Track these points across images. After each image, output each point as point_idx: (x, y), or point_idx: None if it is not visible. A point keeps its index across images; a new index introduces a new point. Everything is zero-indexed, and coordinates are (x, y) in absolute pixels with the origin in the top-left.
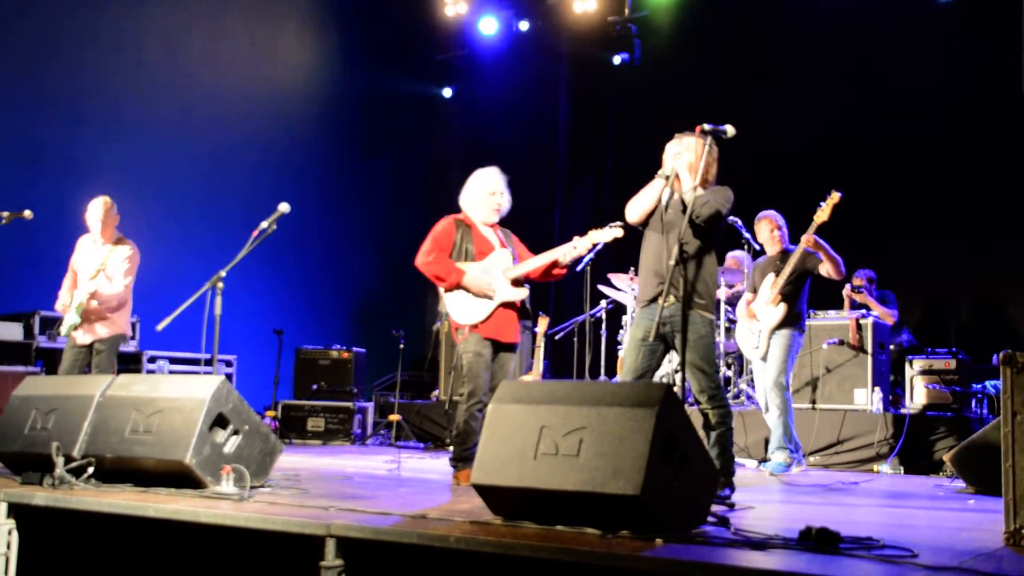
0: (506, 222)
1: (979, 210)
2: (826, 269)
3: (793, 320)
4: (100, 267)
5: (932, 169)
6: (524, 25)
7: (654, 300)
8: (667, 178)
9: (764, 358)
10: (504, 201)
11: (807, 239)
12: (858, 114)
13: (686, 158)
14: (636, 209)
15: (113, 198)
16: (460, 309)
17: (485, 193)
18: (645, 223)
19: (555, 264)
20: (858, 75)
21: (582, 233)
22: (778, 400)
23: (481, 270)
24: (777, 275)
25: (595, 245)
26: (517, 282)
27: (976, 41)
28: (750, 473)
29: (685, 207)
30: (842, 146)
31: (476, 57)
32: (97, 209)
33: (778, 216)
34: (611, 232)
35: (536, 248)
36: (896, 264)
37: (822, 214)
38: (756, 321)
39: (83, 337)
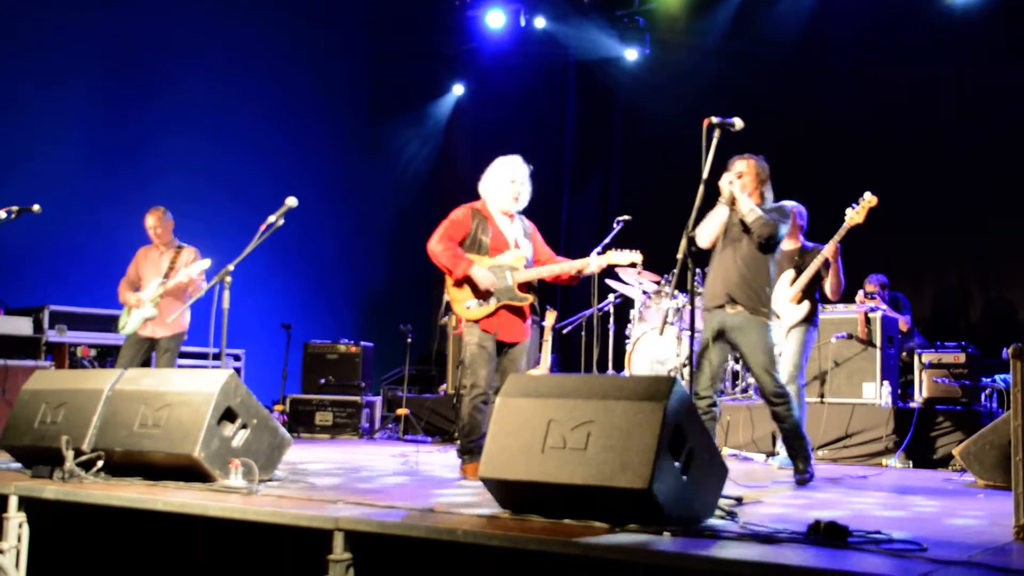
0: None
1: (989, 205)
2: (828, 283)
3: (809, 316)
4: (170, 266)
5: (942, 164)
6: (533, 19)
7: (720, 307)
8: (727, 203)
9: (779, 353)
10: (524, 191)
11: (832, 250)
12: (868, 108)
13: (744, 181)
14: (706, 236)
15: (121, 193)
16: (462, 302)
17: (506, 180)
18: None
19: (567, 274)
20: (868, 71)
21: (589, 233)
22: (792, 395)
23: (491, 267)
24: (797, 272)
25: (610, 266)
26: (525, 286)
27: (989, 40)
28: (758, 467)
29: (745, 226)
30: (852, 140)
31: (484, 51)
32: (150, 220)
33: (800, 210)
34: (630, 257)
35: (548, 243)
36: (905, 259)
37: (857, 216)
38: (776, 319)
39: (149, 330)
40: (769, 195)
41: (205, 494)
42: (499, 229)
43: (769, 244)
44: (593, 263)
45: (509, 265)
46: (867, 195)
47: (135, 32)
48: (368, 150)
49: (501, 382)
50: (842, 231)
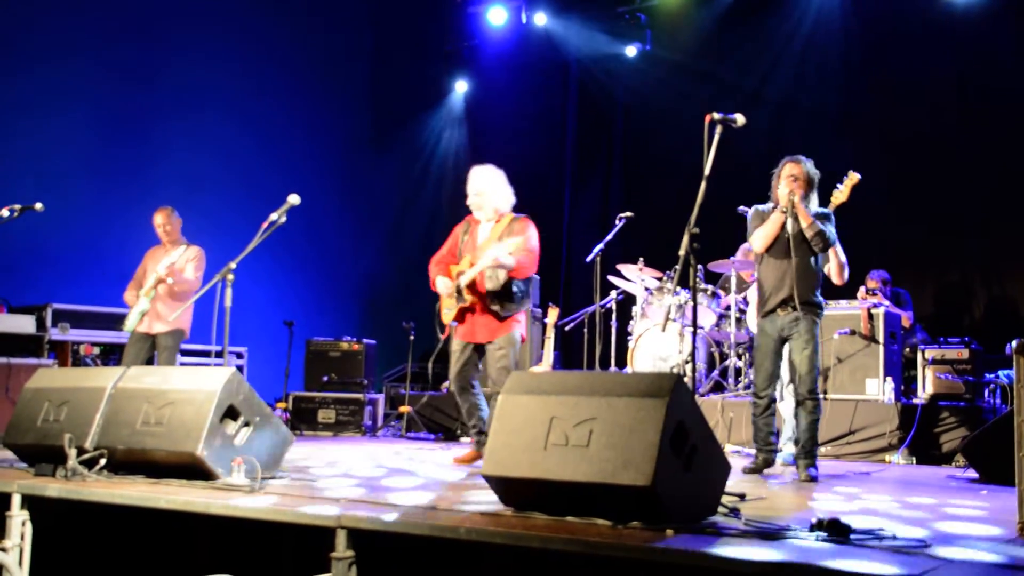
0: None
1: (992, 202)
2: (831, 268)
3: None
4: (170, 264)
5: (945, 161)
6: (534, 15)
7: (773, 311)
8: (784, 212)
9: None
10: (482, 200)
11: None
12: (872, 104)
13: (801, 187)
14: (760, 241)
15: (124, 191)
16: (442, 309)
17: (470, 191)
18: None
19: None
20: (870, 69)
21: (591, 230)
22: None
23: (457, 273)
24: None
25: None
26: (471, 288)
27: (991, 40)
28: None
29: (801, 233)
30: (855, 136)
31: (485, 48)
32: (158, 218)
33: None
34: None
35: (550, 240)
36: (908, 255)
37: (840, 195)
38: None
39: (146, 325)
40: (815, 197)
41: (208, 492)
42: (475, 236)
43: (824, 251)
44: (486, 260)
45: (460, 270)
46: (851, 173)
47: (137, 33)
48: (370, 147)
49: (485, 382)
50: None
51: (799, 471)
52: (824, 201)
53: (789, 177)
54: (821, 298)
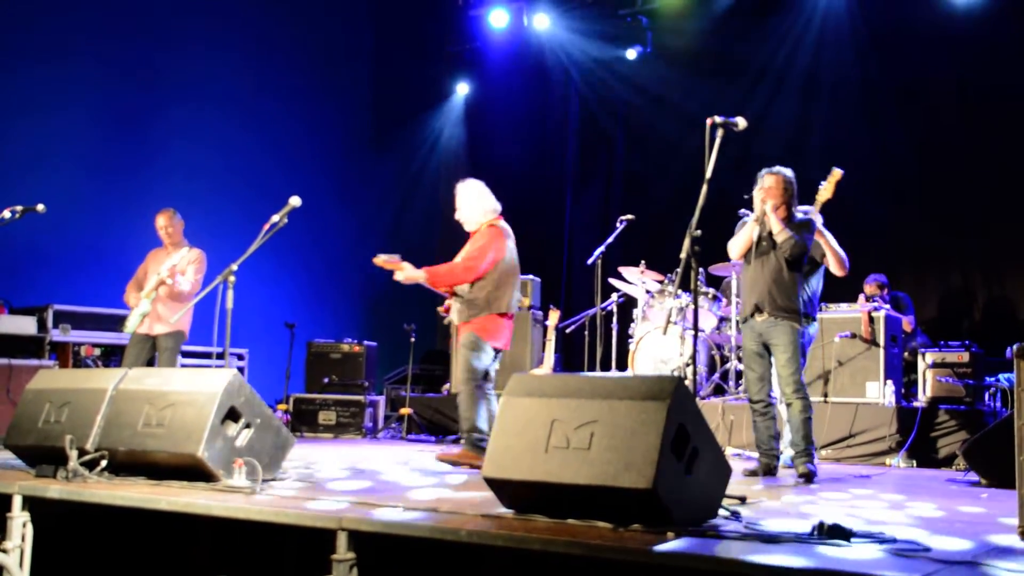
0: (518, 217)
1: (992, 202)
2: (829, 262)
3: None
4: (171, 266)
5: (945, 161)
6: (536, 18)
7: (751, 316)
8: (757, 220)
9: None
10: (458, 216)
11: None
12: (873, 106)
13: (773, 197)
14: (736, 249)
15: (125, 193)
16: None
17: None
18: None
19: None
20: (870, 72)
21: (592, 232)
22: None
23: None
24: None
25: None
26: (453, 295)
27: (991, 41)
28: None
29: (774, 240)
30: (856, 138)
31: (486, 50)
32: (160, 220)
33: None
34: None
35: (551, 242)
36: (909, 258)
37: (824, 192)
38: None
39: (147, 327)
40: (796, 207)
41: (209, 494)
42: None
43: (797, 263)
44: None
45: None
46: (834, 170)
47: (137, 32)
48: (370, 147)
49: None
50: (814, 208)
51: (797, 469)
52: (809, 200)
53: (761, 189)
54: (801, 303)
